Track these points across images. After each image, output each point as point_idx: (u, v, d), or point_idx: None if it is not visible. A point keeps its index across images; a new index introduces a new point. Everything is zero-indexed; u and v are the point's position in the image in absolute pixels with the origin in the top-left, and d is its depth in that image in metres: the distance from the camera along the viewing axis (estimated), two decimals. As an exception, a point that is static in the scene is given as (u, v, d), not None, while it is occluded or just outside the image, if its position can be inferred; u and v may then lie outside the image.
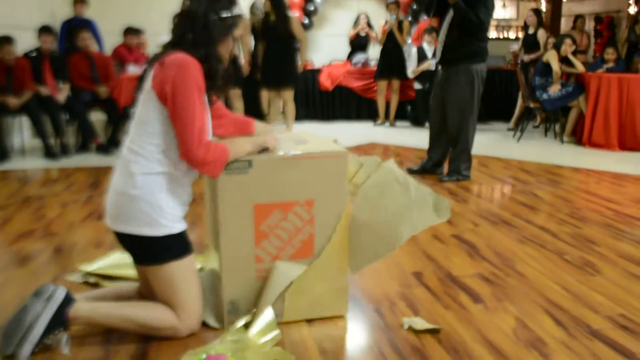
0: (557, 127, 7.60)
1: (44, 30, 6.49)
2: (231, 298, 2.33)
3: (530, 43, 8.39)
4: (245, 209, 2.25)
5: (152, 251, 2.16)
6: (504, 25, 11.51)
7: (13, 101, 5.93)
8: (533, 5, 11.85)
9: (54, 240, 3.52)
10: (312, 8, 9.63)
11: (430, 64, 8.32)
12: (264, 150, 2.28)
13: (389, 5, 8.47)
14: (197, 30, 2.16)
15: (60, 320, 2.11)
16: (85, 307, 2.17)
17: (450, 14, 4.95)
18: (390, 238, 2.33)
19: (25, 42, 6.44)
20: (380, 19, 9.07)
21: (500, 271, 2.99)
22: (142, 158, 2.12)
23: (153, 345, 2.21)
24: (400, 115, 8.86)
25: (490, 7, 4.93)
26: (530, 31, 8.43)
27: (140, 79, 2.28)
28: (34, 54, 6.43)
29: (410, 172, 5.38)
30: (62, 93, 6.42)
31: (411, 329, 2.35)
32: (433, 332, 2.33)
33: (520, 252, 3.28)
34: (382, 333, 2.33)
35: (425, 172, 5.35)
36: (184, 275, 2.20)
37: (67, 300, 2.14)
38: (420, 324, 2.37)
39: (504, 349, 2.20)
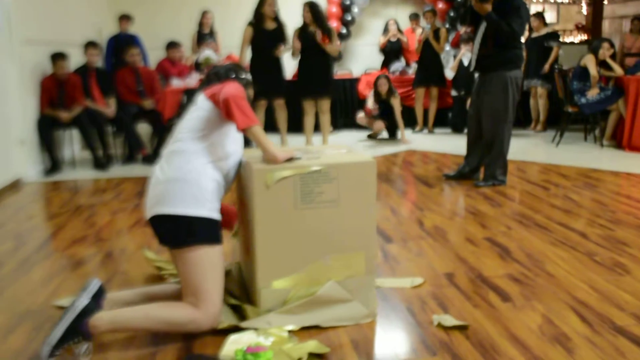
0: (597, 131, 7.57)
1: (90, 45, 6.80)
2: None
3: None
4: None
5: (190, 231, 2.35)
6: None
7: (65, 115, 6.24)
8: (575, 8, 11.78)
9: (105, 245, 3.74)
10: (349, 18, 9.79)
11: (464, 53, 8.36)
12: (290, 159, 2.50)
13: (425, 13, 8.60)
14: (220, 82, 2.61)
15: (77, 329, 2.22)
16: (106, 316, 2.28)
17: (484, 24, 5.04)
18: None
19: (75, 58, 6.76)
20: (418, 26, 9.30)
21: (530, 272, 3.08)
22: (194, 148, 2.44)
23: (197, 340, 2.38)
24: (442, 122, 8.93)
25: (524, 17, 5.00)
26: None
27: (185, 101, 2.65)
28: (82, 70, 6.73)
29: (447, 177, 5.48)
30: (111, 107, 6.72)
31: (440, 326, 2.47)
32: (461, 328, 2.44)
33: (551, 253, 3.36)
34: (412, 329, 2.46)
35: (462, 178, 5.43)
36: (212, 263, 2.38)
37: (88, 310, 2.26)
38: (449, 320, 2.49)
39: (528, 343, 2.30)
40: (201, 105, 2.52)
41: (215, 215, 2.45)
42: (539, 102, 8.56)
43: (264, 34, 6.55)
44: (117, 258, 3.50)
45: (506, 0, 4.95)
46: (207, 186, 2.42)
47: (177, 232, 2.38)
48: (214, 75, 2.70)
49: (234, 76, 2.67)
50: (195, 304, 2.35)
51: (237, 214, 2.87)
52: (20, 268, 3.35)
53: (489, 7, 4.89)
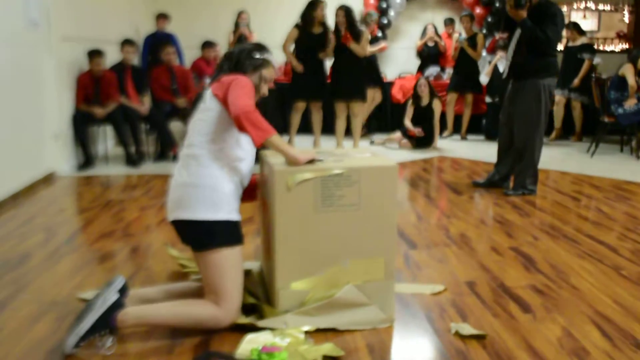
0: (634, 142, 7.42)
1: (127, 42, 6.90)
2: None
3: None
4: None
5: (209, 235, 2.39)
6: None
7: (99, 111, 6.34)
8: (617, 16, 11.49)
9: (131, 241, 3.80)
10: (385, 21, 9.76)
11: (500, 58, 8.25)
12: (312, 161, 2.49)
13: (462, 18, 8.50)
14: (231, 65, 2.60)
15: (106, 322, 2.30)
16: (132, 311, 2.36)
17: (518, 31, 4.98)
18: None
19: (111, 56, 6.87)
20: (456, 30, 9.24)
21: (553, 283, 3.03)
22: (209, 152, 2.45)
23: (215, 336, 2.41)
24: (476, 128, 8.84)
25: (559, 24, 4.92)
26: None
27: (196, 100, 2.64)
28: (118, 67, 6.83)
29: (476, 185, 5.43)
30: (145, 105, 6.81)
31: (458, 334, 2.45)
32: (479, 338, 2.42)
33: (576, 266, 3.31)
34: (429, 336, 2.45)
35: (491, 186, 5.37)
36: (232, 263, 2.42)
37: (117, 305, 2.34)
38: (467, 329, 2.47)
39: (546, 356, 2.27)
40: (209, 105, 2.50)
41: (235, 216, 2.48)
42: (573, 114, 8.42)
43: (310, 38, 6.59)
44: (143, 253, 3.55)
45: (542, 7, 4.90)
46: (224, 189, 2.45)
47: (198, 236, 2.42)
48: (227, 58, 2.64)
49: (245, 57, 2.59)
50: (216, 301, 2.40)
51: (256, 180, 2.81)
52: (48, 260, 3.42)
53: (524, 13, 4.84)
